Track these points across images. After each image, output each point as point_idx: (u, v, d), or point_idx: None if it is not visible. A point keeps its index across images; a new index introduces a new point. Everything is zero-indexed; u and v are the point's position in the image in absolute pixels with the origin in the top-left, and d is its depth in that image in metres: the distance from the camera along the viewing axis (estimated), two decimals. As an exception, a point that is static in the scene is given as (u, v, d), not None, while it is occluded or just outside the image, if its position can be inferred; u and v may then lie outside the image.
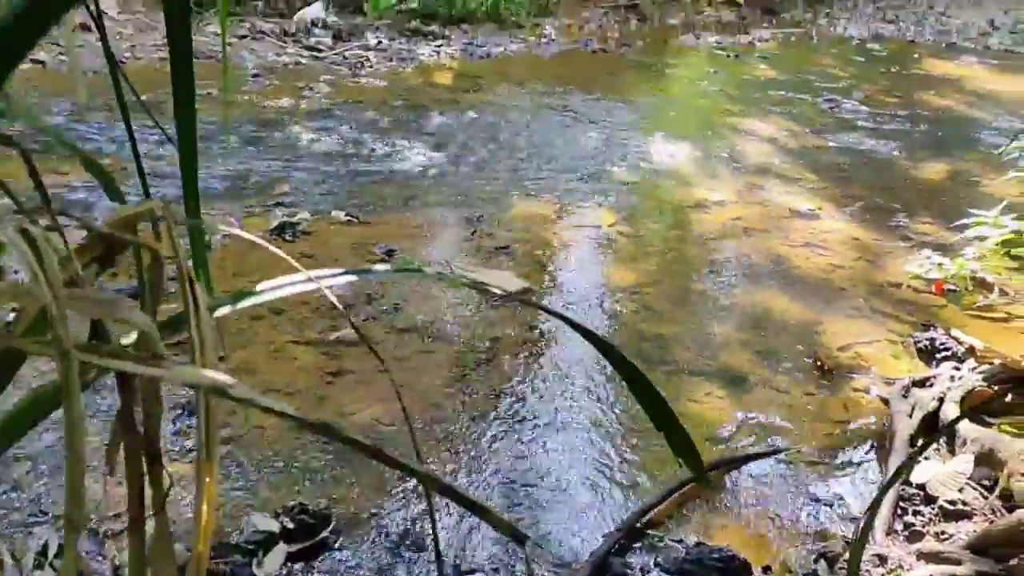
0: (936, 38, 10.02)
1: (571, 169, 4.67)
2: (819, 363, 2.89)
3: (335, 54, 7.15)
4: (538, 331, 3.01)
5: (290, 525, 1.96)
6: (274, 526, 1.96)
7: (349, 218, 3.82)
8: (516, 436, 2.45)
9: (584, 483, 2.27)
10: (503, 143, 5.07)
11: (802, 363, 2.91)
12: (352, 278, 0.82)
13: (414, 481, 2.21)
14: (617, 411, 2.59)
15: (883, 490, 1.49)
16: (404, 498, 2.15)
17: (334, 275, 0.81)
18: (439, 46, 7.77)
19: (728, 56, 8.17)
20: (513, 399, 2.61)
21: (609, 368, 2.78)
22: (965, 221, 3.69)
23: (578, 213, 4.07)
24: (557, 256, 3.62)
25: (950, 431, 2.47)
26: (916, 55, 8.83)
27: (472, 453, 2.36)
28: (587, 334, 0.81)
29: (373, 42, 7.61)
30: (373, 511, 2.11)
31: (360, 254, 3.47)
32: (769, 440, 2.50)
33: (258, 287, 0.78)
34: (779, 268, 3.61)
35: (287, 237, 3.59)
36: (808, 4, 11.41)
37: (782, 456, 2.44)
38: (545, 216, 4.02)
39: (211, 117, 4.99)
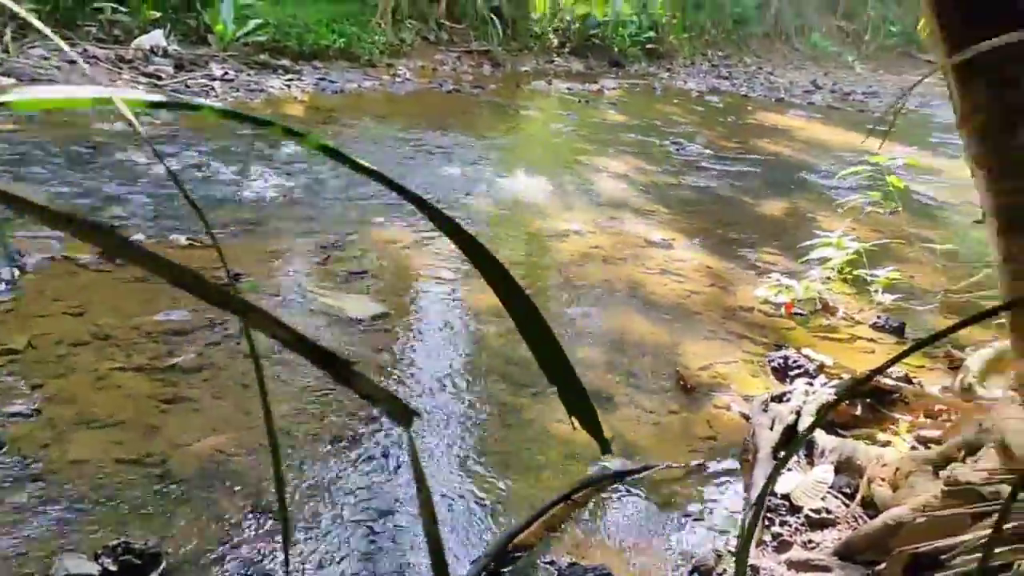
0: (767, 94, 10.74)
1: (430, 199, 4.56)
2: (681, 382, 2.89)
3: (177, 83, 6.78)
4: (398, 352, 2.85)
5: (112, 567, 1.69)
6: (92, 568, 1.69)
7: (191, 242, 3.54)
8: (374, 461, 2.26)
9: (447, 507, 2.12)
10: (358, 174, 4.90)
11: (665, 383, 2.89)
12: (157, 97, 0.62)
13: (259, 515, 1.98)
14: (480, 433, 2.46)
15: (759, 502, 1.45)
16: (247, 534, 1.92)
17: (133, 95, 0.62)
18: (290, 80, 7.55)
19: (579, 101, 8.40)
20: (371, 425, 2.43)
21: (471, 391, 2.66)
22: (810, 242, 3.85)
23: (436, 240, 3.95)
24: (416, 281, 3.49)
25: (808, 441, 2.50)
26: (750, 108, 9.42)
27: (328, 483, 2.16)
28: (436, 214, 0.67)
29: (219, 73, 7.29)
30: (210, 549, 1.87)
31: (201, 278, 3.20)
32: (638, 457, 2.44)
33: (27, 88, 0.60)
34: (638, 293, 3.62)
35: (117, 261, 3.27)
36: (651, 59, 12.00)
37: (651, 472, 2.38)
38: (403, 243, 3.88)
39: (35, 137, 4.56)
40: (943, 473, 1.90)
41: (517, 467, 2.32)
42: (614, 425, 2.60)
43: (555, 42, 11.21)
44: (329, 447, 2.30)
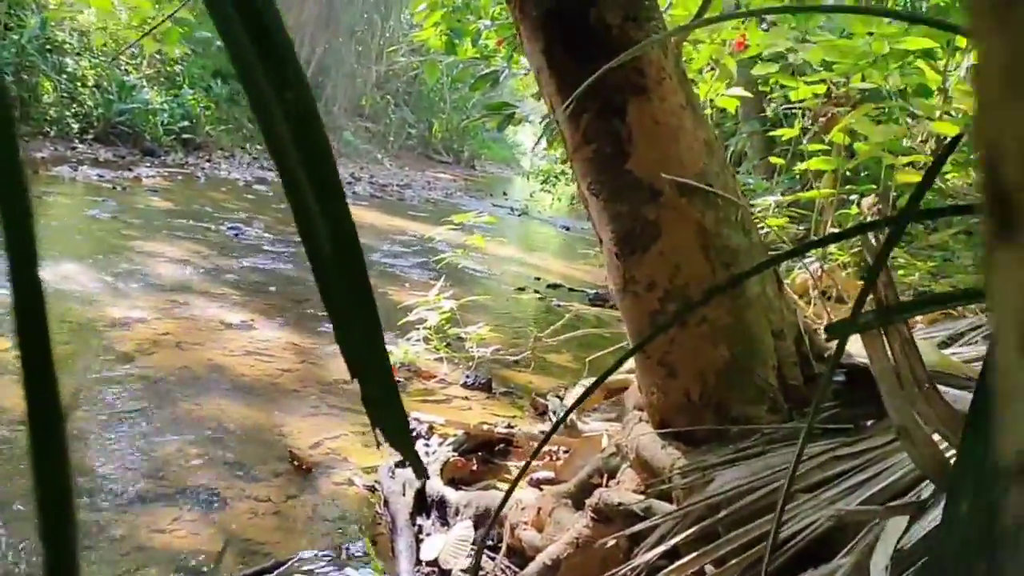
0: (312, 184, 10.91)
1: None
2: (296, 463, 2.60)
3: None
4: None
5: None
6: None
7: None
8: None
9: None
10: None
11: (277, 467, 2.58)
12: None
13: None
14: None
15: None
16: None
17: None
18: None
19: (115, 188, 7.59)
20: None
21: (24, 517, 2.06)
22: (409, 302, 3.83)
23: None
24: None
25: (440, 501, 2.40)
26: (300, 196, 9.45)
27: None
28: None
29: None
30: None
31: None
32: (264, 555, 2.09)
33: None
34: (225, 377, 3.24)
35: None
36: (188, 149, 11.45)
37: (284, 569, 2.06)
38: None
39: None
40: (588, 501, 1.92)
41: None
42: (229, 525, 2.21)
43: (75, 128, 10.07)
44: None
